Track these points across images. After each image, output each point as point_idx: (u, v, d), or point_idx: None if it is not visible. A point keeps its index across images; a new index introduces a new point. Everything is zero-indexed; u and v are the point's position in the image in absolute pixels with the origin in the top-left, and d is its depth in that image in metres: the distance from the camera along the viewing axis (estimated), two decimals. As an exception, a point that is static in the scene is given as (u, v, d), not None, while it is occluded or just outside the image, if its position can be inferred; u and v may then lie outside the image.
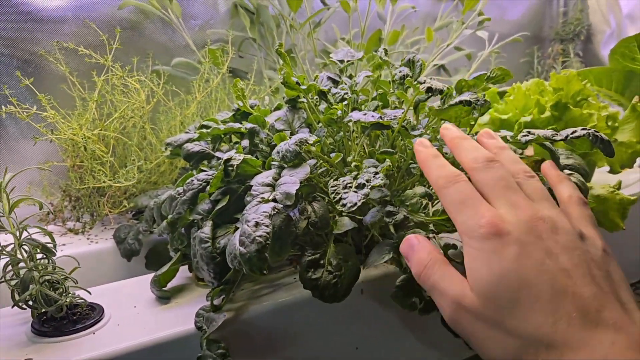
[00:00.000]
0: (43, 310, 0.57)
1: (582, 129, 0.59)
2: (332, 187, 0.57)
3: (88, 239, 0.90)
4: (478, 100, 0.67)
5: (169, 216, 0.67)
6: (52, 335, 0.56)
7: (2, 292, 0.59)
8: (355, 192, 0.55)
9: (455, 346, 0.62)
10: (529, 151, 0.87)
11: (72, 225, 0.95)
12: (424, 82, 0.64)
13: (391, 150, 0.69)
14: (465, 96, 0.65)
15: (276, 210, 0.52)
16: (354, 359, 0.69)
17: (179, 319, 0.59)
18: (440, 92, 0.62)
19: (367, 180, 0.56)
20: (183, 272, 0.71)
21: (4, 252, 0.55)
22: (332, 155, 0.67)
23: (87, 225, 0.94)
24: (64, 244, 0.88)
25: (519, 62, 1.85)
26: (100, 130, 0.84)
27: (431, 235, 0.65)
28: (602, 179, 0.99)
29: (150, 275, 0.71)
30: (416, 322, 0.72)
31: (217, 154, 0.72)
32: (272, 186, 0.58)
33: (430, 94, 0.66)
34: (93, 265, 0.86)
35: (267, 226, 0.50)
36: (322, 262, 0.59)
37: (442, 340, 0.72)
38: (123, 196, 0.92)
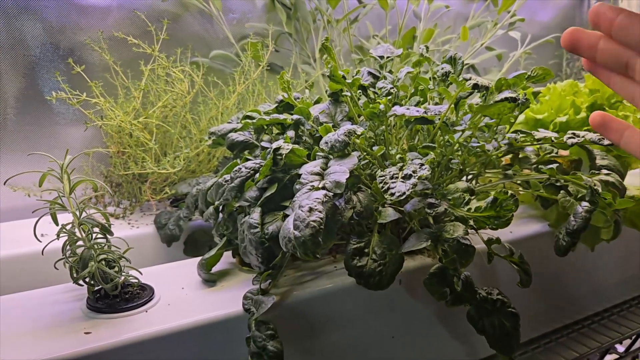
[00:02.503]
0: (99, 287, 0.60)
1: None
2: (380, 176, 0.58)
3: (129, 223, 0.93)
4: (521, 98, 0.68)
5: (216, 202, 0.69)
6: (107, 312, 0.58)
7: (52, 270, 0.62)
8: (403, 182, 0.56)
9: (481, 344, 0.64)
10: (565, 152, 0.88)
11: (112, 210, 0.98)
12: (470, 79, 0.65)
13: (433, 144, 0.71)
14: (509, 93, 0.66)
15: (327, 197, 0.54)
16: (390, 348, 0.71)
17: (226, 301, 0.61)
18: (486, 88, 0.64)
19: (414, 171, 0.58)
20: (227, 257, 0.74)
21: (64, 230, 0.58)
22: (374, 148, 0.68)
23: (127, 210, 0.97)
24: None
25: (547, 64, 1.85)
26: (145, 118, 0.86)
27: (471, 230, 0.67)
28: (633, 180, 0.99)
29: (193, 260, 0.74)
30: (448, 317, 0.74)
31: (262, 143, 0.74)
32: (321, 175, 0.60)
33: (474, 90, 0.68)
34: (135, 249, 0.88)
35: (320, 212, 0.51)
36: (366, 250, 0.60)
37: (470, 337, 0.73)
38: (164, 183, 0.94)
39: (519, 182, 0.78)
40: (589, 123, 0.50)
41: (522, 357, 0.86)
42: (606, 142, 0.61)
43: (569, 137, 0.64)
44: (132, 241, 0.89)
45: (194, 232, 0.91)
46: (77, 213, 0.58)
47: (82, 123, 0.82)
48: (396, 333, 0.71)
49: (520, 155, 0.82)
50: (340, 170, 0.58)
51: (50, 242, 0.58)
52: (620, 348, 0.99)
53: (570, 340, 0.91)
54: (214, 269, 0.69)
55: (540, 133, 0.69)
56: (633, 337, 0.96)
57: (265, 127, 0.79)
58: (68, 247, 0.58)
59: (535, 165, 0.78)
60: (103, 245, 0.59)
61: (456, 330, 0.76)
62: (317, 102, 0.85)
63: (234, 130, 0.80)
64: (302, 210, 0.52)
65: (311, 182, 0.58)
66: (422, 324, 0.73)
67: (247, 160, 0.70)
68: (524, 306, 0.84)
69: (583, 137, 0.62)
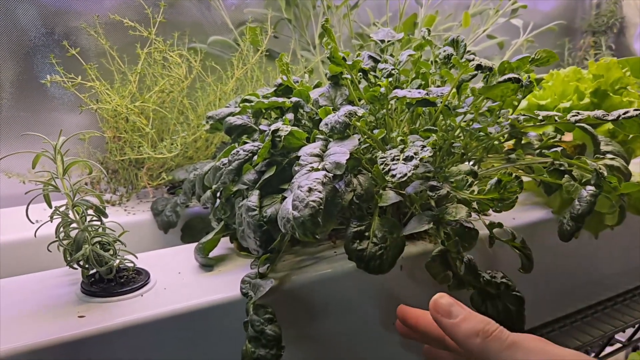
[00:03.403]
0: (93, 270, 0.58)
1: (635, 110, 0.59)
2: (380, 158, 0.57)
3: (125, 210, 0.92)
4: (524, 80, 0.67)
5: (214, 186, 0.67)
6: (102, 296, 0.57)
7: (47, 254, 0.60)
8: (404, 163, 0.55)
9: None
10: (568, 136, 0.87)
11: (109, 197, 0.96)
12: (473, 60, 0.63)
13: (434, 127, 0.69)
14: (512, 75, 0.65)
15: (327, 177, 0.52)
16: (390, 335, 0.70)
17: (223, 285, 0.60)
18: (490, 69, 0.62)
19: (415, 153, 0.56)
20: (224, 242, 0.72)
21: (57, 212, 0.56)
22: (375, 132, 0.67)
23: (123, 197, 0.95)
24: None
25: (549, 53, 1.83)
26: (142, 102, 0.84)
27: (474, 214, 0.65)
28: (637, 169, 0.98)
29: (190, 246, 0.72)
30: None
31: (261, 127, 0.73)
32: (320, 157, 0.58)
33: (477, 73, 0.66)
34: (131, 236, 0.86)
35: (320, 192, 0.50)
36: (367, 234, 0.59)
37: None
38: (161, 169, 0.93)
39: (521, 167, 0.77)
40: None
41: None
42: (610, 117, 0.59)
43: (573, 115, 0.62)
44: (129, 228, 0.87)
45: (192, 219, 0.89)
46: (71, 195, 0.56)
47: (78, 108, 0.81)
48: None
49: (523, 141, 0.80)
50: (340, 152, 0.56)
51: (42, 224, 0.56)
52: (622, 337, 0.98)
53: (573, 329, 0.90)
54: (212, 254, 0.68)
55: (548, 113, 0.68)
56: (636, 326, 0.95)
57: (264, 111, 0.77)
58: (62, 230, 0.57)
59: (538, 151, 0.77)
60: (97, 227, 0.58)
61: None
62: (317, 86, 0.84)
63: (232, 114, 0.78)
64: (301, 191, 0.50)
65: (310, 163, 0.57)
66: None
67: (245, 143, 0.69)
68: (527, 294, 0.83)
69: (587, 114, 0.61)
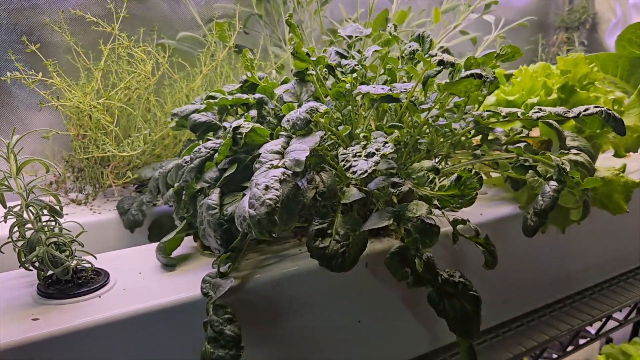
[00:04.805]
0: (49, 272, 0.57)
1: (595, 107, 0.59)
2: (341, 154, 0.56)
3: (91, 209, 0.90)
4: (488, 75, 0.67)
5: (176, 184, 0.66)
6: (58, 298, 0.55)
7: (6, 256, 0.59)
8: (365, 160, 0.55)
9: (447, 330, 0.63)
10: (535, 132, 0.87)
11: (74, 196, 0.95)
12: (436, 55, 0.63)
13: (399, 124, 0.69)
14: (475, 70, 0.65)
15: (286, 175, 0.52)
16: (356, 332, 0.69)
17: (184, 285, 0.59)
18: (452, 65, 0.62)
19: (377, 149, 0.56)
20: (188, 241, 0.71)
21: (11, 212, 0.55)
22: (340, 128, 0.67)
23: (89, 196, 0.94)
24: (67, 214, 0.87)
25: (523, 49, 1.84)
26: (106, 99, 0.83)
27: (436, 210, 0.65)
28: (606, 164, 0.99)
29: (152, 245, 0.71)
30: (415, 301, 0.73)
31: (225, 124, 0.72)
32: (281, 154, 0.57)
33: (442, 68, 0.66)
34: (96, 235, 0.85)
35: (276, 189, 0.49)
36: (329, 231, 0.58)
37: (438, 320, 0.72)
38: (127, 167, 0.91)
39: (488, 163, 0.77)
40: None
41: (493, 341, 0.86)
42: (571, 114, 0.59)
43: (535, 112, 0.62)
44: (94, 227, 0.87)
45: (159, 217, 0.88)
46: (24, 195, 0.55)
47: (41, 107, 0.79)
48: (363, 318, 0.69)
49: (490, 137, 0.80)
50: (300, 149, 0.56)
51: (-5, 225, 0.55)
52: (592, 330, 0.99)
53: (542, 323, 0.91)
54: (175, 254, 0.67)
55: (507, 109, 0.68)
56: (603, 319, 0.96)
57: (229, 108, 0.77)
58: (16, 230, 0.55)
59: (505, 147, 0.77)
60: (53, 227, 0.57)
61: (423, 315, 0.75)
62: (285, 82, 0.83)
63: (197, 111, 0.77)
64: (258, 189, 0.50)
65: (271, 160, 0.56)
66: (390, 308, 0.72)
67: (209, 141, 0.68)
68: (496, 289, 0.83)
69: (548, 111, 0.61)
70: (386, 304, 0.71)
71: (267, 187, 0.49)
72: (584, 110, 0.60)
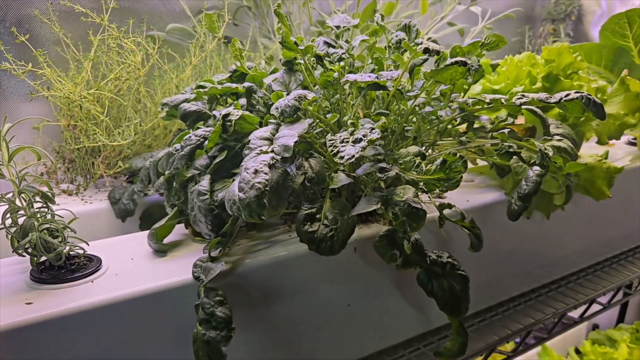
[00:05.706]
0: (42, 258, 0.58)
1: (576, 92, 0.61)
2: (329, 140, 0.58)
3: (82, 199, 0.91)
4: (473, 63, 0.68)
5: (166, 172, 0.67)
6: (51, 283, 0.56)
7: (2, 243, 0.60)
8: (353, 145, 0.56)
9: (436, 313, 0.64)
10: (520, 120, 0.89)
11: (65, 187, 0.95)
12: (421, 43, 0.64)
13: (386, 112, 0.70)
14: (461, 58, 0.66)
15: (275, 160, 0.53)
16: (346, 316, 0.71)
17: (176, 270, 0.60)
18: (437, 52, 0.63)
19: (364, 135, 0.57)
20: (179, 229, 0.72)
21: (3, 199, 0.56)
22: (328, 116, 0.68)
23: (81, 186, 0.94)
24: (58, 204, 0.88)
25: (510, 41, 1.86)
26: (96, 90, 0.83)
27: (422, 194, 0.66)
28: (589, 152, 1.01)
29: (144, 233, 0.72)
30: (404, 285, 0.74)
31: (214, 112, 0.73)
32: (270, 140, 0.59)
33: (427, 57, 0.67)
34: (87, 225, 0.86)
35: (266, 174, 0.51)
36: (318, 216, 0.60)
37: (427, 304, 0.73)
38: (117, 157, 0.92)
39: (474, 150, 0.79)
40: None
41: (481, 325, 0.87)
42: (552, 100, 0.61)
43: (518, 98, 0.64)
44: (86, 217, 0.88)
45: (150, 206, 0.89)
46: (17, 182, 0.55)
47: (31, 97, 0.79)
48: (352, 301, 0.71)
49: (475, 125, 0.82)
50: (289, 134, 0.57)
51: (-11, 212, 0.56)
52: (575, 315, 1.01)
53: (528, 307, 0.93)
54: (167, 240, 0.68)
55: (495, 96, 0.69)
56: (587, 304, 0.98)
57: (219, 97, 0.77)
58: (8, 216, 0.56)
59: (490, 134, 0.79)
60: (45, 214, 0.57)
61: (413, 298, 0.76)
62: (274, 72, 0.84)
63: (187, 100, 0.78)
64: (247, 173, 0.51)
65: (260, 146, 0.57)
66: (379, 291, 0.73)
67: (199, 129, 0.69)
68: (482, 274, 0.85)
69: (531, 97, 0.62)
70: (375, 288, 0.72)
71: (256, 171, 0.51)
72: (565, 96, 0.62)
